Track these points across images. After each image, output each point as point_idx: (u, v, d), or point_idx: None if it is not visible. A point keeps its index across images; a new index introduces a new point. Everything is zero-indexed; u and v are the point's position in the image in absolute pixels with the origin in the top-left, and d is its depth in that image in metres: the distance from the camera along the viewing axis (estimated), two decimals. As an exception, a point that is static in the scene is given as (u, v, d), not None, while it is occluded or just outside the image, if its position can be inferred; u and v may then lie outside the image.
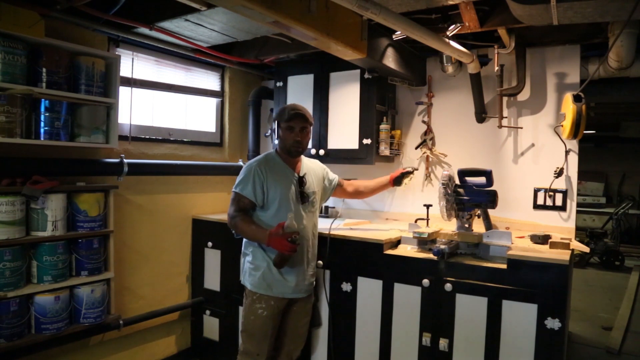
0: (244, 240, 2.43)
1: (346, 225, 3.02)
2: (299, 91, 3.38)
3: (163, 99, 3.35)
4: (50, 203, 2.40)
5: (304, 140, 2.38)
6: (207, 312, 3.32)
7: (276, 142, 2.47)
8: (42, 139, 2.38)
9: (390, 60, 2.83)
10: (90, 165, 2.71)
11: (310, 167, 2.55)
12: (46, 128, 2.38)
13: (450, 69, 3.00)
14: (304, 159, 2.55)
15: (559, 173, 2.79)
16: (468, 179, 2.55)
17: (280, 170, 2.38)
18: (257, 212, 2.36)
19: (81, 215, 2.55)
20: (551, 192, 2.84)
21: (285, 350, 2.49)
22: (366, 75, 3.04)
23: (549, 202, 2.85)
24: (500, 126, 2.90)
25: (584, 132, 2.46)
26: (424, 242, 2.55)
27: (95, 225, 2.61)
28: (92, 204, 2.60)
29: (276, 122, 2.41)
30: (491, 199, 2.44)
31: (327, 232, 2.65)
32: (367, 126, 3.08)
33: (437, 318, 2.38)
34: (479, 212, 2.52)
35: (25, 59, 2.28)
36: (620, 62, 2.43)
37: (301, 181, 2.40)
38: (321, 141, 3.26)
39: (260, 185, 2.30)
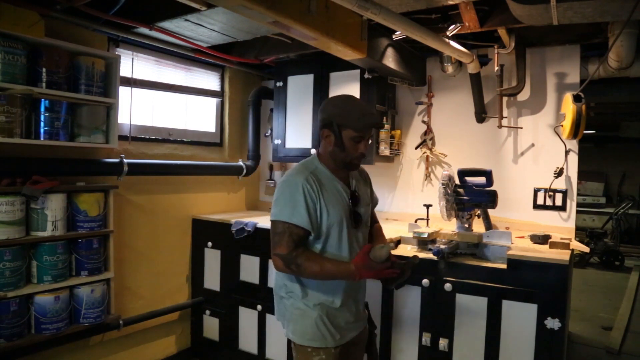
0: (276, 276, 1.85)
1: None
2: (299, 91, 3.38)
3: (163, 99, 3.35)
4: (50, 203, 2.39)
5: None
6: (207, 312, 3.32)
7: (331, 148, 1.75)
8: (42, 139, 2.38)
9: (390, 60, 2.83)
10: (90, 165, 2.70)
11: (356, 175, 1.94)
12: (46, 128, 2.38)
13: (450, 69, 3.00)
14: None
15: (558, 173, 2.80)
16: (468, 179, 2.55)
17: (331, 186, 1.77)
18: None
19: (81, 215, 2.55)
20: (551, 192, 2.84)
21: None
22: (366, 75, 3.03)
23: (549, 202, 2.85)
24: (500, 126, 2.90)
25: (584, 132, 2.47)
26: (424, 242, 2.55)
27: (95, 225, 2.61)
28: (92, 204, 2.59)
29: (335, 124, 1.71)
30: (491, 199, 2.45)
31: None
32: (367, 126, 3.07)
33: (437, 318, 2.38)
34: (479, 212, 2.52)
35: (25, 59, 2.28)
36: (620, 62, 2.43)
37: (354, 198, 1.82)
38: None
39: (314, 208, 1.69)
